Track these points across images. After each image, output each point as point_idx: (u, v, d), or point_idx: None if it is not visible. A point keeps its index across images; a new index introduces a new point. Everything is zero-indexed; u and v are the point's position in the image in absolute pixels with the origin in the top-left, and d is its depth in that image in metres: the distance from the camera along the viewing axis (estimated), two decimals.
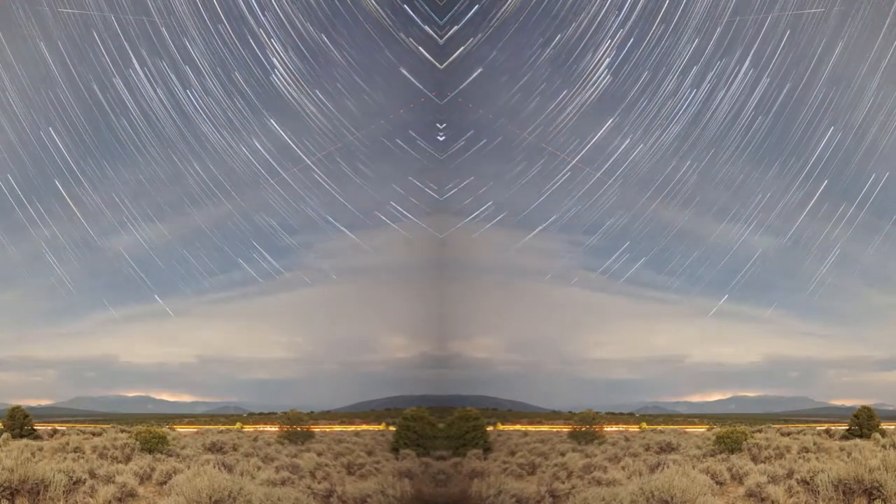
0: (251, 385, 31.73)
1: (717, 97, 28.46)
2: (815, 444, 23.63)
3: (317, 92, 27.62)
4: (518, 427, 28.46)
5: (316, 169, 28.27)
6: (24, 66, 27.57)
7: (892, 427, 27.44)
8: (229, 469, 18.22)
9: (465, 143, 27.37)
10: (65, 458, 19.39)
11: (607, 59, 27.18)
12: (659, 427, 29.65)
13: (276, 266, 30.68)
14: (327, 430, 27.96)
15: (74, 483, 14.62)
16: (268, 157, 28.74)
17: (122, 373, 31.93)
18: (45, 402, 31.67)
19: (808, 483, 15.00)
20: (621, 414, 30.17)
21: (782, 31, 26.79)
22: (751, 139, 28.90)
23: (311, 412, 28.39)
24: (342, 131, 28.10)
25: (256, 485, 15.91)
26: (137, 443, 22.49)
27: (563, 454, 22.06)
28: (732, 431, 23.79)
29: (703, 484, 14.12)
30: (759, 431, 28.02)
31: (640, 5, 27.36)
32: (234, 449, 23.79)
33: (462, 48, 25.52)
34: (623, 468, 19.46)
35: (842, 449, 22.53)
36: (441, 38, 25.20)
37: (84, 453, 21.41)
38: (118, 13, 27.19)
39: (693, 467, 17.43)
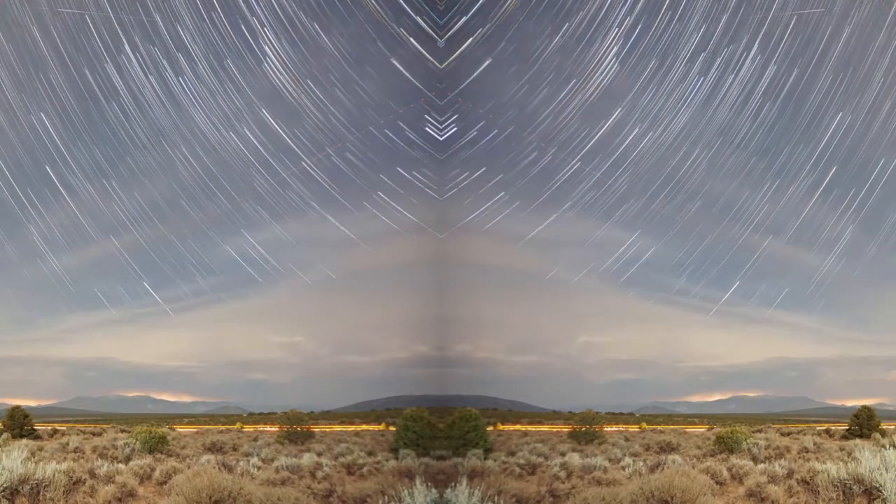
0: (251, 385, 31.75)
1: (724, 85, 28.40)
2: (815, 444, 23.64)
3: (309, 82, 27.57)
4: (518, 427, 28.45)
5: (310, 163, 28.18)
6: (15, 50, 27.46)
7: (892, 427, 27.43)
8: (229, 469, 18.24)
9: (466, 135, 27.29)
10: (65, 458, 19.39)
11: (615, 48, 27.16)
12: (659, 427, 29.65)
13: (275, 264, 30.62)
14: (327, 430, 27.95)
15: (74, 483, 14.63)
16: (258, 145, 28.62)
17: (122, 373, 31.95)
18: (45, 402, 31.68)
19: (808, 483, 15.01)
20: (621, 414, 30.16)
21: (789, 16, 26.72)
22: (759, 126, 28.80)
23: (311, 412, 28.38)
24: (335, 123, 28.01)
25: (256, 485, 15.91)
26: (137, 443, 22.50)
27: (563, 454, 22.06)
28: (732, 431, 23.79)
29: (703, 484, 14.12)
30: (759, 431, 28.02)
31: None
32: (234, 449, 23.80)
33: (471, 39, 25.45)
34: (623, 468, 19.47)
35: (842, 449, 22.53)
36: (445, 31, 25.15)
37: (84, 453, 21.42)
38: None
39: (693, 467, 17.45)
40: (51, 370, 31.61)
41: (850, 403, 30.24)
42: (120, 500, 14.89)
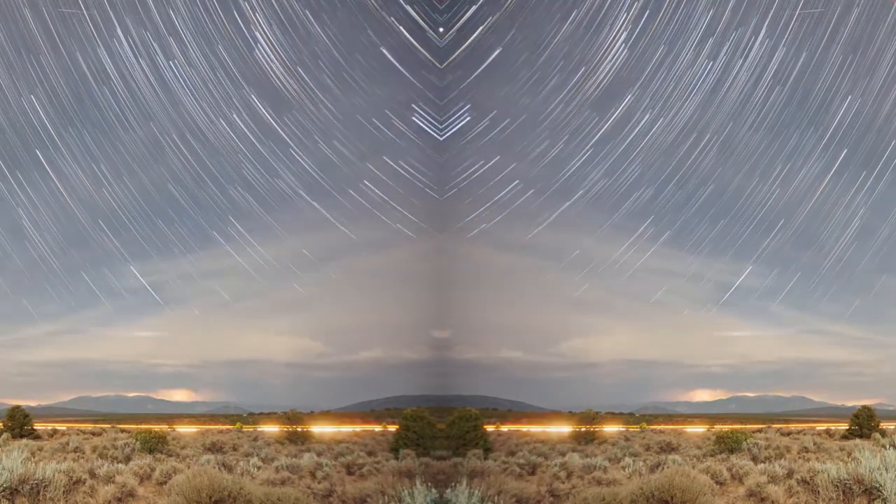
0: (251, 385, 31.75)
1: (733, 69, 28.33)
2: (815, 444, 23.64)
3: (299, 69, 27.53)
4: (518, 427, 28.47)
5: (302, 154, 28.13)
6: (6, 31, 27.40)
7: (892, 427, 27.44)
8: (229, 469, 18.24)
9: (466, 125, 27.23)
10: (65, 458, 19.40)
11: (624, 34, 27.12)
12: (659, 427, 29.66)
13: (271, 260, 30.60)
14: (327, 430, 27.96)
15: (74, 483, 14.62)
16: (247, 132, 28.59)
17: (122, 373, 31.95)
18: (45, 402, 31.68)
19: (808, 483, 15.00)
20: (621, 414, 30.16)
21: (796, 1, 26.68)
22: (769, 110, 28.73)
23: (311, 412, 28.38)
24: (325, 112, 27.96)
25: (256, 485, 15.91)
26: (137, 443, 22.50)
27: (563, 454, 22.07)
28: (732, 431, 23.80)
29: (703, 484, 14.12)
30: (759, 431, 28.04)
31: None
32: (234, 449, 23.80)
33: (481, 28, 25.42)
34: (623, 468, 19.48)
35: (842, 449, 22.54)
36: (447, 21, 25.11)
37: (84, 453, 21.42)
38: None
39: (693, 467, 17.45)
40: (51, 370, 31.64)
41: (850, 403, 30.26)
42: (120, 500, 14.88)
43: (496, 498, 14.80)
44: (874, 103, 28.63)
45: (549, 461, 20.99)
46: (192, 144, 29.06)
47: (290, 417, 27.12)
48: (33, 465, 14.59)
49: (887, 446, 20.12)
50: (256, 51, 27.48)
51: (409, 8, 25.35)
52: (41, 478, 13.79)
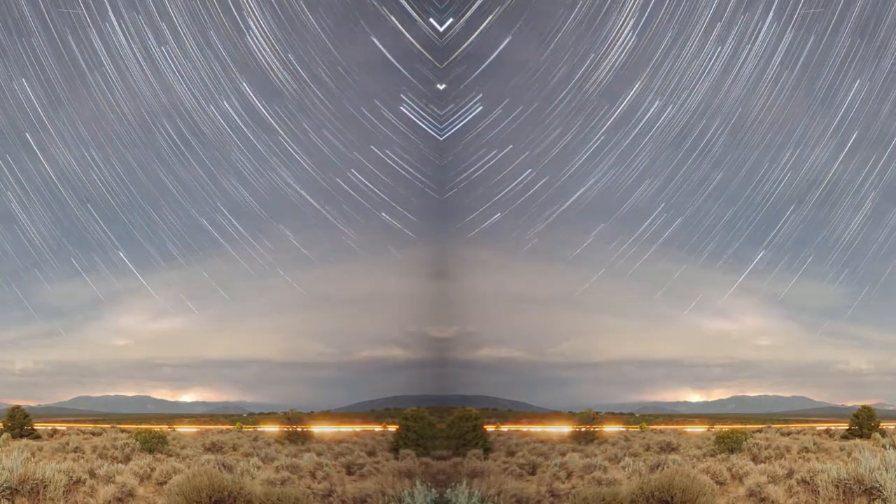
0: (251, 385, 31.73)
1: (742, 54, 28.21)
2: (815, 444, 23.65)
3: (290, 56, 27.47)
4: (518, 427, 28.46)
5: (287, 138, 28.12)
6: None
7: (892, 427, 27.43)
8: (229, 469, 18.24)
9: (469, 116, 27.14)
10: (65, 458, 19.40)
11: (632, 21, 27.03)
12: (659, 427, 29.66)
13: (269, 259, 30.55)
14: (327, 430, 27.96)
15: (74, 483, 14.62)
16: (239, 122, 28.52)
17: (122, 373, 31.95)
18: (45, 402, 31.67)
19: (808, 483, 15.00)
20: (621, 414, 30.15)
21: None
22: (777, 95, 28.62)
23: (311, 412, 28.37)
24: (315, 100, 27.90)
25: (256, 485, 15.91)
26: (137, 443, 22.51)
27: (563, 454, 22.08)
28: (732, 431, 23.81)
29: (703, 484, 14.12)
30: (759, 431, 28.04)
31: None
32: (234, 449, 23.81)
33: (491, 16, 25.36)
34: (623, 468, 19.48)
35: (842, 449, 22.55)
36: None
37: (84, 453, 21.43)
38: None
39: (693, 467, 17.45)
40: (51, 370, 31.63)
41: (850, 403, 30.24)
42: (120, 500, 14.89)
43: (496, 498, 14.81)
44: (883, 87, 28.46)
45: (549, 461, 21.00)
46: (181, 131, 28.90)
47: (290, 417, 27.13)
48: (33, 465, 14.59)
49: (887, 446, 20.13)
50: (248, 37, 27.35)
51: None
52: (41, 478, 13.79)
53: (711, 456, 22.11)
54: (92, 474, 16.14)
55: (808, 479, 15.10)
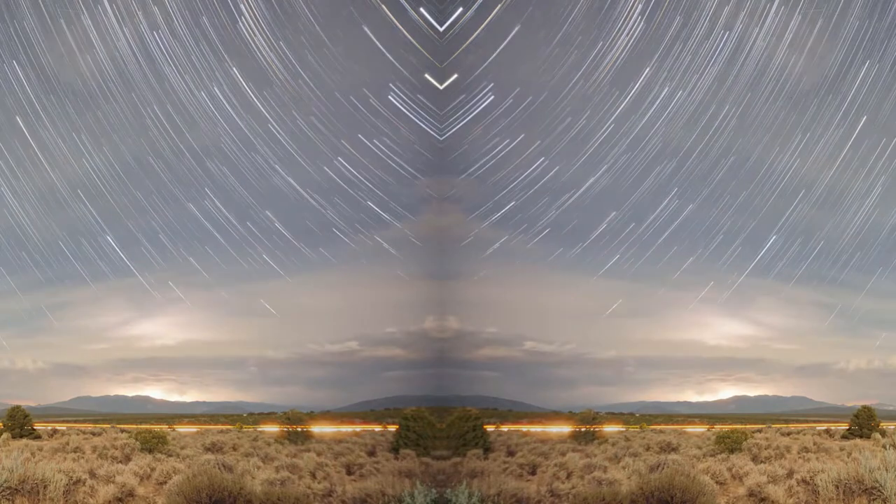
0: (251, 385, 31.73)
1: (750, 38, 28.08)
2: (815, 444, 23.65)
3: (281, 44, 27.39)
4: (518, 427, 28.46)
5: (276, 127, 28.06)
6: None
7: (892, 427, 27.43)
8: (229, 469, 18.24)
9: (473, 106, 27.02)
10: (65, 458, 19.41)
11: (640, 6, 26.96)
12: (659, 427, 29.66)
13: (269, 262, 30.52)
14: (327, 430, 27.96)
15: (74, 483, 14.62)
16: (228, 106, 28.46)
17: (122, 373, 31.95)
18: (45, 402, 31.67)
19: (808, 483, 15.01)
20: (621, 414, 30.15)
21: None
22: (786, 79, 28.51)
23: (311, 412, 28.37)
24: (304, 88, 27.83)
25: (256, 485, 15.93)
26: (137, 443, 22.51)
27: (563, 454, 22.07)
28: (732, 431, 23.80)
29: (703, 484, 14.13)
30: (759, 431, 28.03)
31: None
32: (234, 449, 23.80)
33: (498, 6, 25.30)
34: (623, 468, 19.48)
35: (842, 449, 22.54)
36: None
37: (84, 453, 21.42)
38: None
39: (693, 467, 17.46)
40: (50, 370, 31.62)
41: (850, 403, 30.25)
42: (120, 500, 14.90)
43: (496, 498, 14.82)
44: (893, 68, 28.31)
45: (549, 461, 21.00)
46: (171, 115, 28.77)
47: (290, 417, 27.12)
48: (33, 465, 14.60)
49: (887, 446, 20.13)
50: (240, 23, 27.25)
51: None
52: (41, 478, 13.80)
53: (711, 456, 22.11)
54: (92, 474, 16.14)
55: (808, 479, 15.11)
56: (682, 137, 29.28)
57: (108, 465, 17.44)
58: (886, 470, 13.50)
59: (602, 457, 21.46)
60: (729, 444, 22.90)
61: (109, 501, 14.61)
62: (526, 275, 29.69)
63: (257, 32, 27.54)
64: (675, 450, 23.62)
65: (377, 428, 28.24)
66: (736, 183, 29.84)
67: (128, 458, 20.42)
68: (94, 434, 27.40)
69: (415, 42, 25.57)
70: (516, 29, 26.35)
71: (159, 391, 32.43)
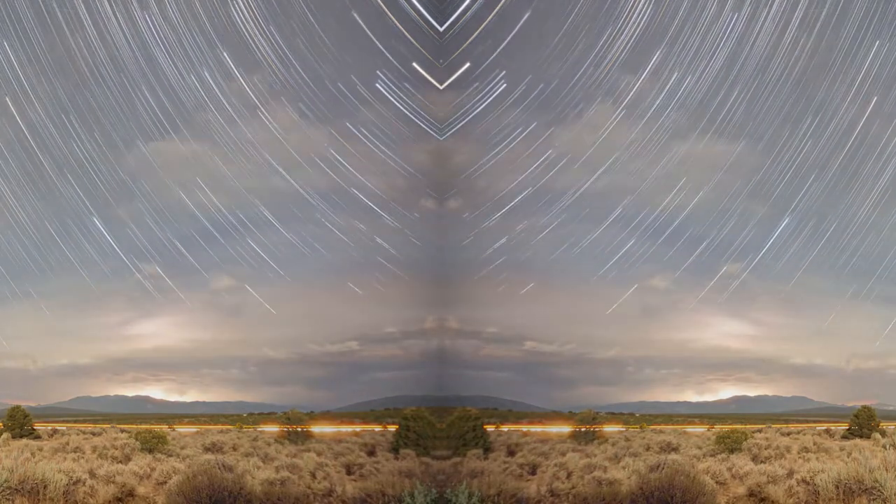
0: (252, 385, 31.70)
1: (759, 19, 27.87)
2: (815, 444, 23.65)
3: (272, 29, 27.25)
4: (518, 427, 28.45)
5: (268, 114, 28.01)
6: None
7: (892, 427, 27.41)
8: (229, 469, 18.24)
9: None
10: (65, 458, 19.41)
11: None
12: (659, 427, 29.65)
13: (267, 260, 30.46)
14: (327, 429, 27.95)
15: (74, 483, 14.63)
16: (218, 91, 28.30)
17: (122, 372, 31.93)
18: (45, 402, 31.65)
19: (808, 483, 15.02)
20: (621, 414, 30.14)
21: None
22: (796, 61, 28.31)
23: (311, 412, 28.36)
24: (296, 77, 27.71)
25: (256, 484, 15.94)
26: (137, 443, 22.51)
27: (563, 454, 22.07)
28: (732, 431, 23.80)
29: (703, 484, 14.14)
30: (759, 431, 28.02)
31: None
32: (234, 449, 23.79)
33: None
34: (623, 468, 19.48)
35: (842, 449, 22.54)
36: None
37: (84, 453, 21.42)
38: None
39: (693, 467, 17.46)
40: (50, 370, 31.61)
41: (850, 403, 30.22)
42: (120, 500, 14.91)
43: (496, 498, 14.83)
44: None
45: (549, 461, 21.01)
46: (161, 99, 28.60)
47: (290, 417, 27.11)
48: (33, 465, 14.61)
49: (887, 446, 20.15)
50: (232, 8, 27.08)
51: None
52: (41, 478, 13.80)
53: (711, 456, 22.11)
54: (92, 474, 16.14)
55: (808, 479, 15.11)
56: (691, 123, 28.97)
57: (108, 465, 17.44)
58: (886, 470, 13.51)
59: (602, 457, 21.46)
60: (729, 444, 22.89)
61: (109, 501, 14.63)
62: (526, 274, 29.65)
63: (250, 19, 27.34)
64: (675, 450, 23.61)
65: (377, 428, 28.22)
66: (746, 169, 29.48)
67: (128, 458, 20.41)
68: (94, 434, 27.39)
69: (416, 35, 25.46)
70: (526, 16, 26.15)
71: (159, 391, 32.42)
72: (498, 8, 25.34)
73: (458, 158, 27.37)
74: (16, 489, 13.44)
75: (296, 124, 28.84)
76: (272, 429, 28.12)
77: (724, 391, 31.88)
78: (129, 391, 32.57)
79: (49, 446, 22.80)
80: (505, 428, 28.14)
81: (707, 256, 30.27)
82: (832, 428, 28.91)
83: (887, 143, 29.02)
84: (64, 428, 29.20)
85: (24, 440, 25.15)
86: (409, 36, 25.54)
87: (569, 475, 18.77)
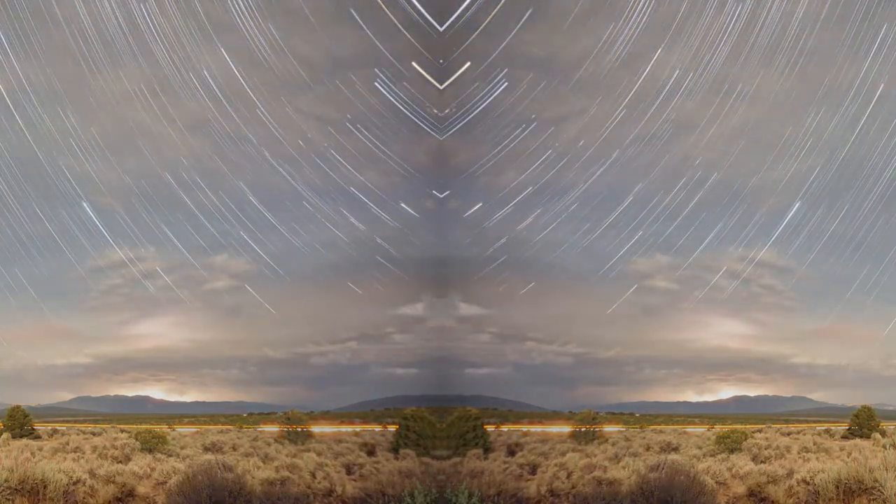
0: (252, 385, 31.69)
1: (762, 12, 27.75)
2: (815, 444, 23.65)
3: (270, 27, 27.13)
4: (518, 427, 28.44)
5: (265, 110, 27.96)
6: None
7: (892, 427, 27.41)
8: (229, 469, 18.24)
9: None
10: (65, 458, 19.41)
11: None
12: (659, 427, 29.65)
13: (267, 260, 30.45)
14: (327, 430, 27.95)
15: (74, 483, 14.63)
16: (215, 87, 28.19)
17: (122, 372, 31.93)
18: (45, 402, 31.64)
19: (808, 483, 15.02)
20: (621, 414, 30.14)
21: None
22: (799, 55, 28.22)
23: (311, 412, 28.36)
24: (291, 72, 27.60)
25: (256, 484, 15.94)
26: (137, 443, 22.51)
27: (563, 454, 22.08)
28: (732, 431, 23.81)
29: (703, 484, 14.14)
30: (760, 431, 28.03)
31: None
32: (234, 449, 23.79)
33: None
34: (623, 468, 19.48)
35: (842, 449, 22.54)
36: None
37: (84, 453, 21.42)
38: None
39: (693, 467, 17.46)
40: (50, 370, 31.61)
41: (850, 403, 30.22)
42: (120, 500, 14.91)
43: (496, 498, 14.83)
44: None
45: (549, 461, 21.00)
46: (159, 95, 28.55)
47: (290, 417, 27.11)
48: (33, 465, 14.61)
49: (887, 446, 20.14)
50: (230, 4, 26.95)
51: None
52: (41, 478, 13.80)
53: (711, 456, 22.11)
54: (92, 474, 16.14)
55: (808, 479, 15.11)
56: (693, 122, 28.83)
57: (108, 465, 17.45)
58: (886, 470, 13.51)
59: (602, 457, 21.46)
60: (729, 444, 22.89)
61: (109, 501, 14.63)
62: (526, 274, 29.63)
63: (246, 12, 27.23)
64: (675, 450, 23.61)
65: (377, 428, 28.22)
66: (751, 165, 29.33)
67: (128, 458, 20.41)
68: (94, 434, 27.39)
69: (416, 34, 25.38)
70: (527, 14, 26.05)
71: (159, 391, 32.41)
72: (499, 6, 25.26)
73: (458, 158, 27.33)
74: (16, 489, 13.44)
75: (295, 123, 28.79)
76: (272, 429, 28.12)
77: (724, 391, 31.87)
78: (129, 391, 32.56)
79: (49, 446, 22.80)
80: (505, 428, 28.13)
81: (707, 256, 30.22)
82: (832, 428, 28.90)
83: (886, 144, 29.01)
84: (64, 428, 29.19)
85: (24, 440, 25.15)
86: (408, 35, 25.51)
87: (569, 475, 18.78)
